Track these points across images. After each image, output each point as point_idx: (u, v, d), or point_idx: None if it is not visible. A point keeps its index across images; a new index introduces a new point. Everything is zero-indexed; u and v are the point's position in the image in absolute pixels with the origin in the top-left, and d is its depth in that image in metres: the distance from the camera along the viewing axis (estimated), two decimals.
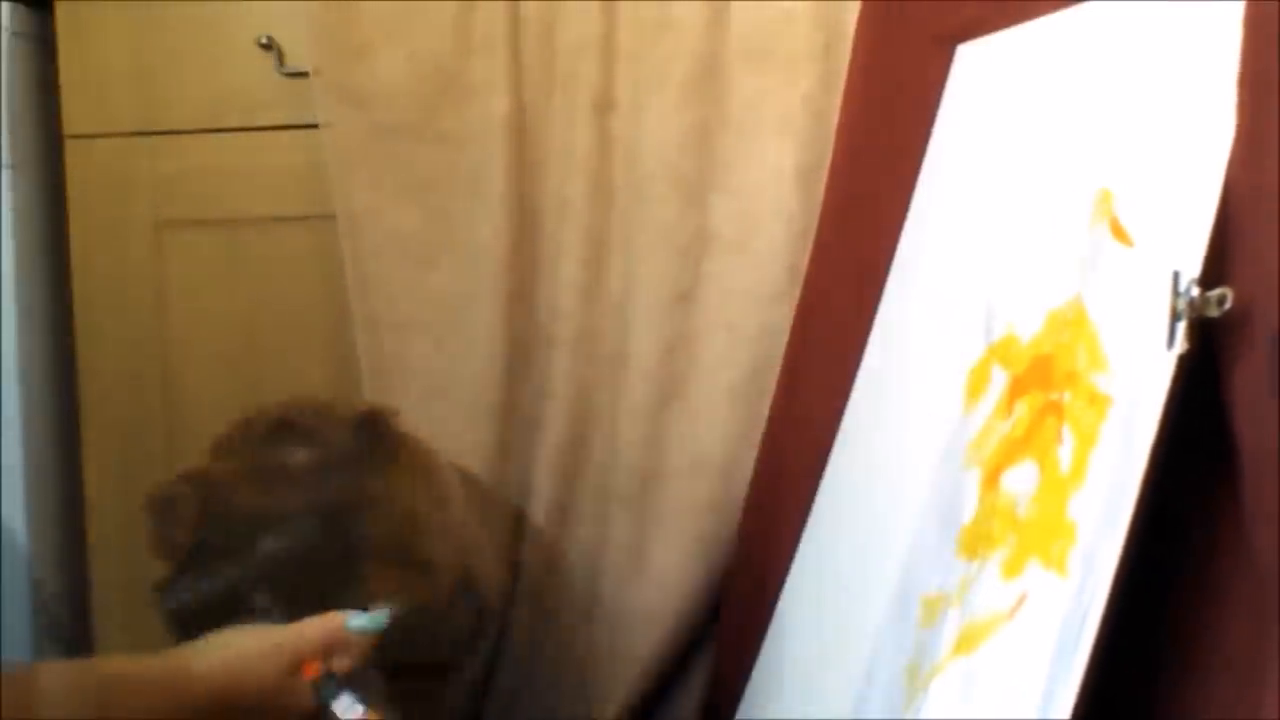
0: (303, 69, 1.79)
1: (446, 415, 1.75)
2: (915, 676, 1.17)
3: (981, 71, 1.48)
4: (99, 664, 1.01)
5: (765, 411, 1.69)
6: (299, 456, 1.09)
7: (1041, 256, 1.21)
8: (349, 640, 1.03)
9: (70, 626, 1.89)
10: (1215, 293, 0.95)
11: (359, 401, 1.14)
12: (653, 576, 1.72)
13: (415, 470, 1.13)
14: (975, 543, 1.15)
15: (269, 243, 1.85)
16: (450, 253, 1.75)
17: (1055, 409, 1.10)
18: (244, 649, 1.00)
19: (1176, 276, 0.97)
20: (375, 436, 1.12)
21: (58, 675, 0.95)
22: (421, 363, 1.76)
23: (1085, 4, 1.28)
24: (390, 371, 1.76)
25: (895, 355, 1.47)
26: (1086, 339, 1.08)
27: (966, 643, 1.10)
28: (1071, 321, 1.12)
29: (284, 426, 1.09)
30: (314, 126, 1.80)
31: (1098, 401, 1.04)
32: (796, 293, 1.69)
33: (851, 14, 1.66)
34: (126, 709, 0.94)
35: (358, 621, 1.03)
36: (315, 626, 1.03)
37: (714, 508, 1.72)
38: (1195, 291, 0.95)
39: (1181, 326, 0.96)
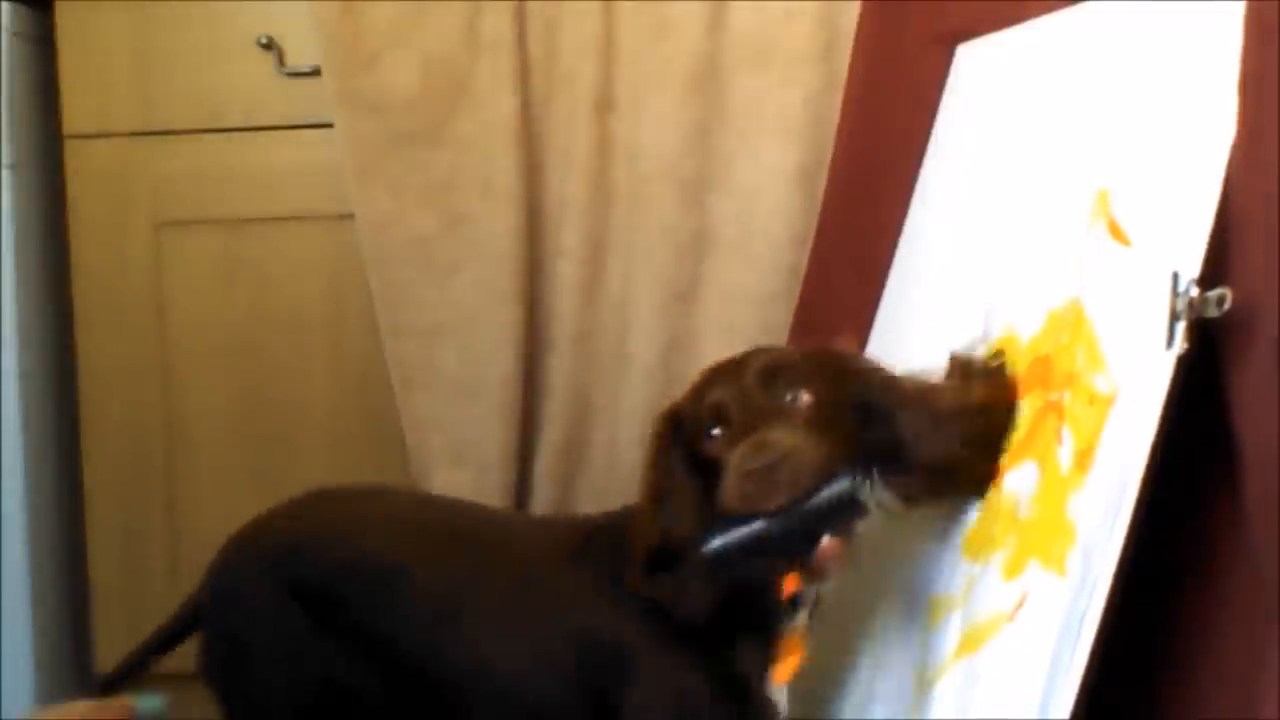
0: (303, 69, 1.79)
1: (475, 419, 1.75)
2: (922, 680, 1.17)
3: (981, 71, 1.48)
4: None
5: None
6: (802, 401, 1.10)
7: (1041, 257, 1.21)
8: None
9: (70, 626, 1.89)
10: (1214, 293, 0.95)
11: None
12: None
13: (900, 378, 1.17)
14: (978, 544, 1.15)
15: (268, 242, 1.85)
16: (470, 257, 1.75)
17: (1055, 409, 1.10)
18: None
19: (1176, 277, 0.97)
20: (846, 361, 1.16)
21: None
22: (448, 368, 1.76)
23: (1085, 4, 1.28)
24: (418, 379, 1.76)
25: (896, 355, 1.46)
26: (1085, 340, 1.08)
27: (969, 644, 1.10)
28: (1070, 322, 1.12)
29: (777, 372, 1.11)
30: (314, 126, 1.80)
31: (1097, 402, 1.04)
32: (796, 293, 1.69)
33: (851, 14, 1.66)
34: None
35: (140, 705, 1.06)
36: (100, 708, 1.04)
37: None
38: (1194, 291, 0.95)
39: (1181, 327, 0.96)
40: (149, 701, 1.05)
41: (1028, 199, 1.27)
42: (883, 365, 1.19)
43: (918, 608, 1.22)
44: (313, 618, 1.24)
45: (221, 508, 1.83)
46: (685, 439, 1.16)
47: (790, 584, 1.12)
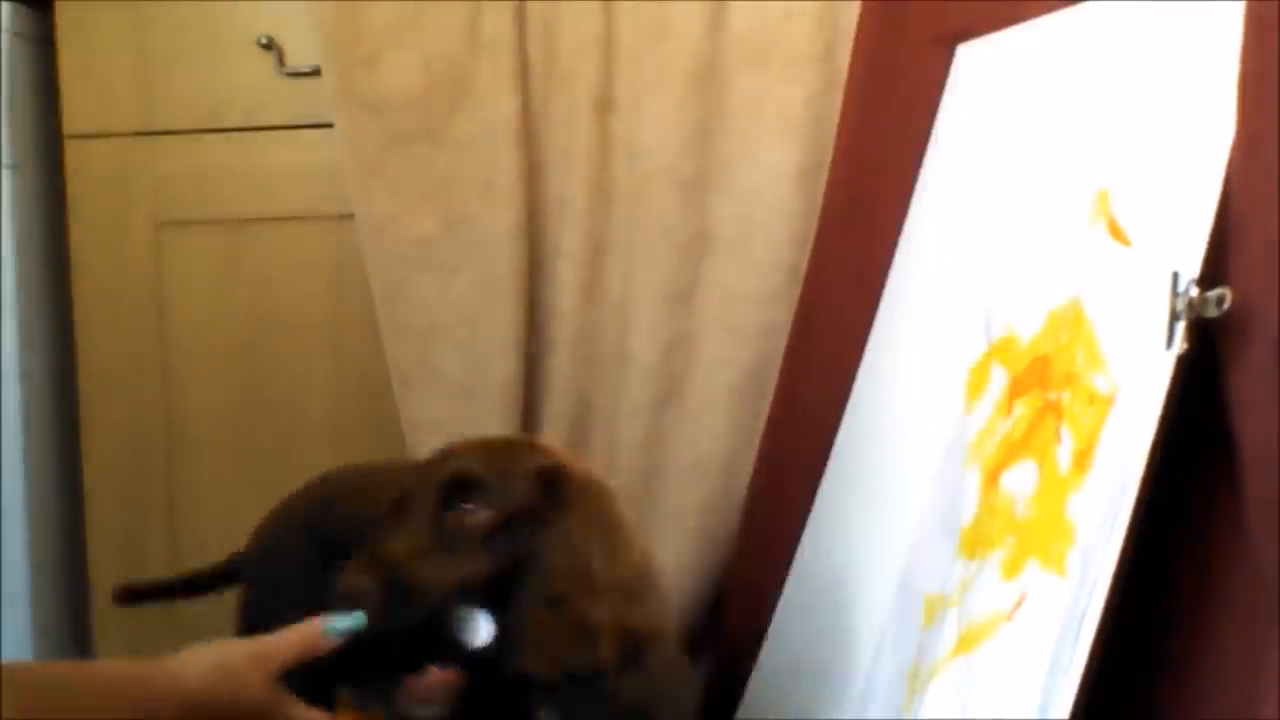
0: (303, 69, 1.79)
1: (475, 419, 1.75)
2: (915, 678, 1.17)
3: (981, 71, 1.48)
4: (84, 667, 1.00)
5: (765, 411, 1.69)
6: (479, 518, 1.08)
7: (1041, 257, 1.21)
8: (327, 642, 1.04)
9: (70, 626, 1.89)
10: (1214, 293, 0.95)
11: (537, 453, 1.12)
12: None
13: (592, 525, 1.11)
14: (975, 543, 1.15)
15: (268, 242, 1.85)
16: (470, 257, 1.75)
17: (1055, 409, 1.10)
18: (228, 657, 1.00)
19: (1176, 277, 0.96)
20: (554, 491, 1.10)
21: (39, 676, 0.94)
22: (448, 368, 1.76)
23: (1084, 4, 1.28)
24: (418, 379, 1.77)
25: (896, 355, 1.47)
26: (1085, 339, 1.08)
27: (966, 643, 1.10)
28: (1070, 321, 1.12)
29: (462, 484, 1.08)
30: (314, 127, 1.80)
31: (1097, 402, 1.04)
32: (796, 293, 1.69)
33: (851, 14, 1.65)
34: (112, 713, 0.94)
35: (336, 625, 1.05)
36: (296, 632, 1.04)
37: (714, 507, 1.72)
38: (1194, 292, 0.95)
39: (1180, 326, 0.96)
40: (347, 621, 1.04)
41: (1028, 199, 1.27)
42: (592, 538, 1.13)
43: (911, 605, 1.22)
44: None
45: (221, 508, 1.85)
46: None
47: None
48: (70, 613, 1.89)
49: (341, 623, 1.05)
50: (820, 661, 1.37)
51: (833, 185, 1.65)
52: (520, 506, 1.10)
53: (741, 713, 1.52)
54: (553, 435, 1.78)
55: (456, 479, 1.09)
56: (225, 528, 1.85)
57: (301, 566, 1.29)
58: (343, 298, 1.84)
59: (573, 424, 1.78)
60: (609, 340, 1.77)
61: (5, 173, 1.77)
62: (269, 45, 1.80)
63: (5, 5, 1.77)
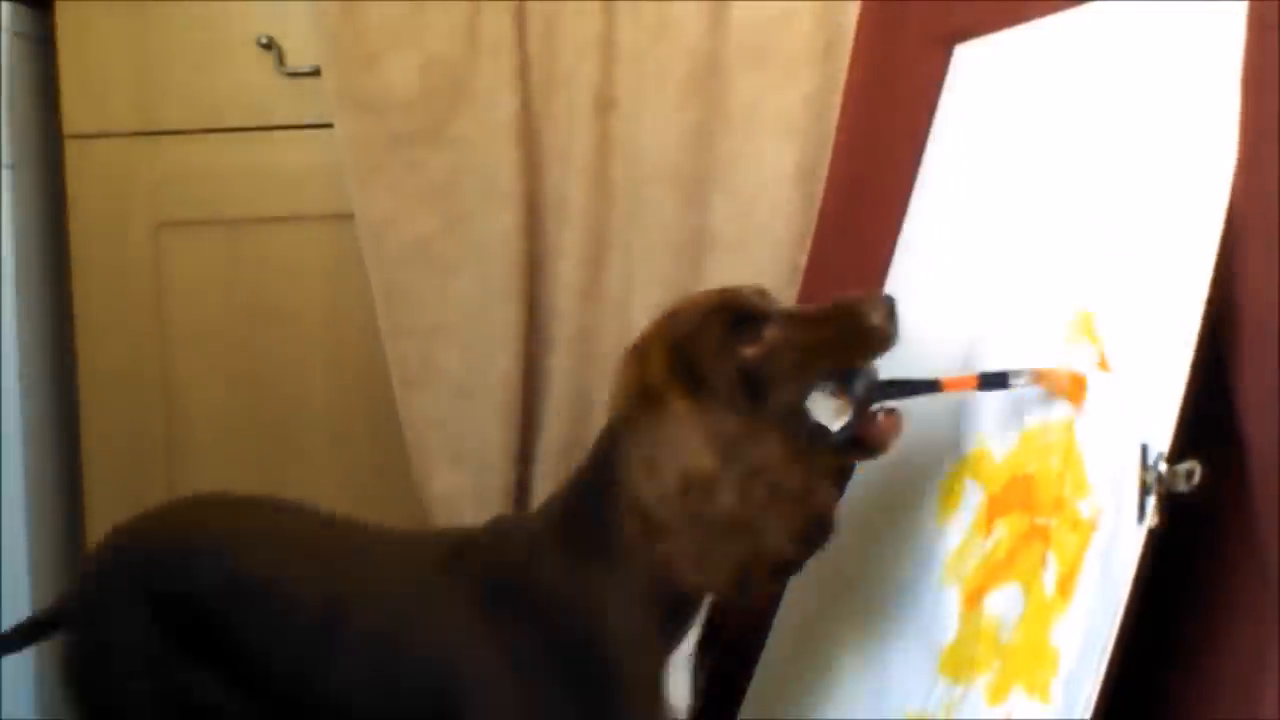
0: (303, 69, 1.79)
1: (475, 419, 1.75)
2: None
3: (979, 72, 1.48)
4: None
5: None
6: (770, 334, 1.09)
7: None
8: None
9: None
10: (1183, 466, 0.94)
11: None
12: None
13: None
14: (958, 665, 1.14)
15: (268, 242, 1.85)
16: (470, 257, 1.75)
17: (1041, 534, 1.09)
18: None
19: (1145, 450, 0.96)
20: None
21: None
22: (448, 368, 1.76)
23: (1084, 5, 1.28)
24: (418, 379, 1.76)
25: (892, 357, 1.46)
26: (1074, 466, 1.07)
27: None
28: (1057, 445, 1.10)
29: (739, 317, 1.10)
30: (314, 127, 1.80)
31: (1080, 527, 1.04)
32: (796, 293, 1.69)
33: (851, 14, 1.66)
34: None
35: None
36: None
37: None
38: (1163, 466, 0.94)
39: (1151, 501, 0.95)
40: None
41: (1002, 307, 1.25)
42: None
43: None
44: (174, 632, 1.20)
45: None
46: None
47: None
48: None
49: None
50: (824, 654, 1.36)
51: (832, 185, 1.66)
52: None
53: (744, 711, 1.51)
54: (552, 435, 1.78)
55: (732, 311, 1.10)
56: None
57: (129, 622, 1.20)
58: (343, 298, 1.83)
59: (573, 424, 1.78)
60: (609, 340, 1.77)
61: (5, 173, 1.77)
62: (269, 45, 1.79)
63: (5, 5, 1.77)
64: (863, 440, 1.10)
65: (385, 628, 1.16)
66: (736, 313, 1.10)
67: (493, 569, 1.15)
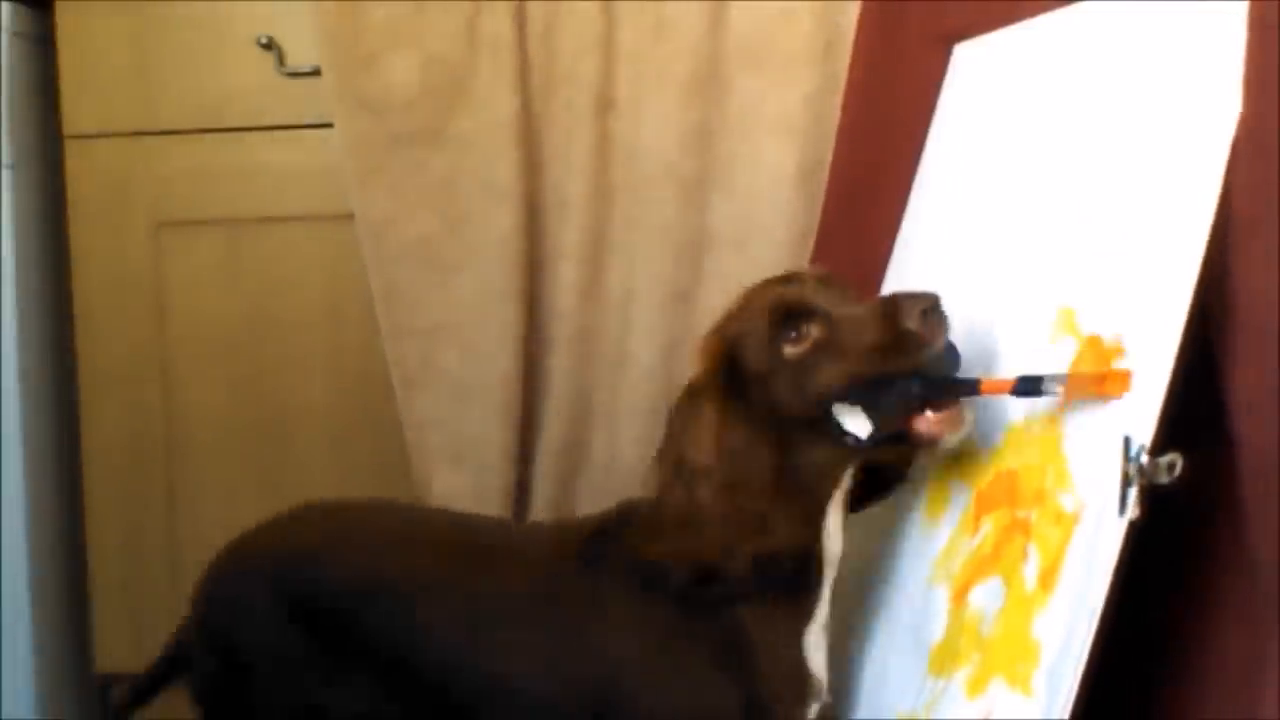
0: (303, 69, 1.79)
1: (475, 419, 1.75)
2: None
3: (979, 71, 1.48)
4: None
5: None
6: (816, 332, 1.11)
7: (1002, 370, 1.19)
8: None
9: (70, 626, 1.89)
10: (1165, 459, 0.94)
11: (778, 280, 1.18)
12: None
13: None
14: (943, 660, 1.14)
15: (268, 242, 1.85)
16: (470, 257, 1.75)
17: (1022, 527, 1.09)
18: None
19: (1127, 441, 0.96)
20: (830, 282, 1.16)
21: None
22: (448, 368, 1.76)
23: (1081, 4, 1.28)
24: (418, 379, 1.76)
25: None
26: (1055, 459, 1.07)
27: None
28: (1041, 439, 1.10)
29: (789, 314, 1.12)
30: (314, 127, 1.80)
31: (1063, 520, 1.03)
32: None
33: (851, 14, 1.65)
34: None
35: None
36: None
37: None
38: (1145, 458, 0.95)
39: (1133, 493, 0.95)
40: None
41: (992, 300, 1.25)
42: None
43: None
44: (315, 639, 1.20)
45: (221, 508, 1.84)
46: (738, 378, 1.14)
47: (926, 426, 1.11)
48: (70, 613, 1.89)
49: None
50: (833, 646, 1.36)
51: (833, 185, 1.65)
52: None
53: None
54: (552, 435, 1.78)
55: (818, 274, 1.14)
56: (225, 528, 1.85)
57: (268, 631, 1.21)
58: (343, 298, 1.83)
59: (573, 424, 1.78)
60: (609, 340, 1.77)
61: (5, 173, 1.77)
62: (269, 45, 1.79)
63: (5, 5, 1.77)
64: (912, 437, 1.11)
65: (534, 619, 1.18)
66: (789, 310, 1.12)
67: (629, 553, 1.17)
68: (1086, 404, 1.05)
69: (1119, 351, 1.04)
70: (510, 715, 1.19)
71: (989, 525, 1.14)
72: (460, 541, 1.27)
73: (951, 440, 1.11)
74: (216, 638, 1.25)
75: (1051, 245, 1.20)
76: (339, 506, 1.34)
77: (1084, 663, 0.94)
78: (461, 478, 1.77)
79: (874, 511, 1.27)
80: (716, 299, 1.73)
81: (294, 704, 1.22)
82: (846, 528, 1.18)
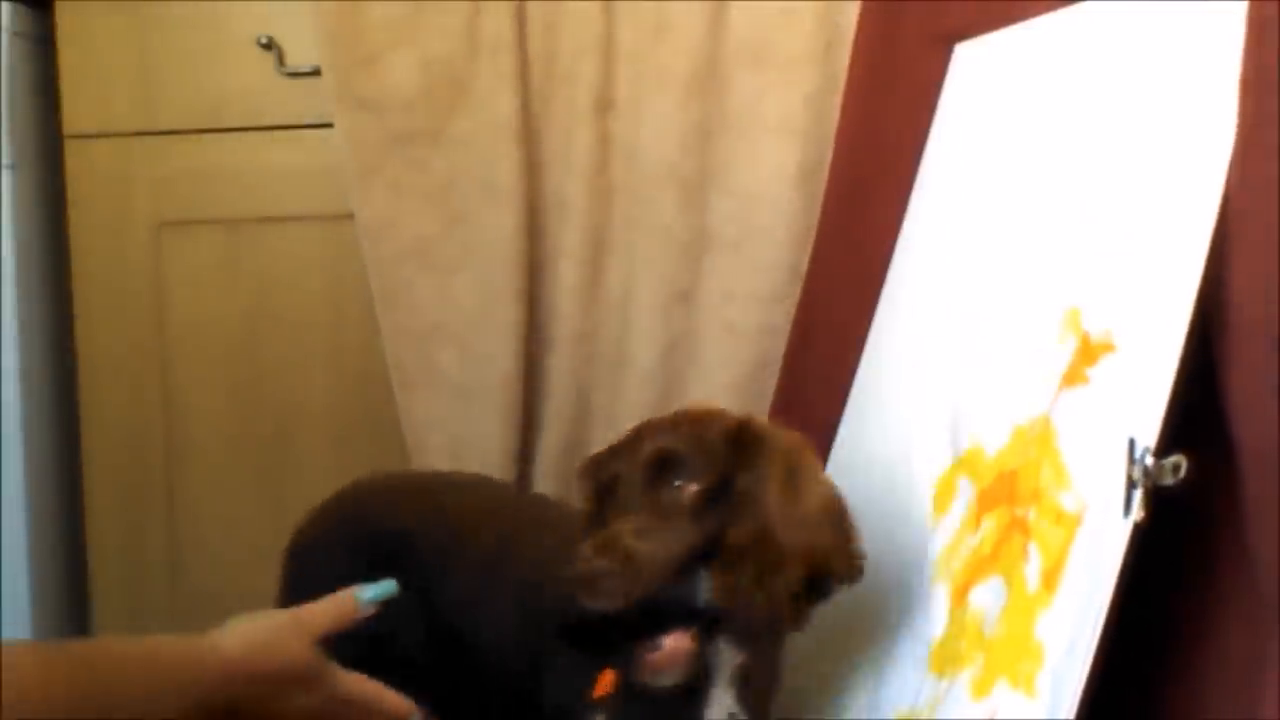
0: (303, 69, 1.79)
1: (475, 419, 1.75)
2: None
3: (979, 71, 1.48)
4: (125, 641, 1.01)
5: (765, 411, 1.69)
6: (688, 491, 1.10)
7: (1009, 370, 1.19)
8: (361, 611, 1.06)
9: (70, 626, 1.89)
10: (1170, 460, 0.94)
11: (722, 416, 1.16)
12: None
13: (779, 472, 1.13)
14: (944, 660, 1.14)
15: (268, 242, 1.85)
16: (470, 257, 1.75)
17: (1021, 526, 1.09)
18: (269, 626, 1.01)
19: (1132, 444, 0.96)
20: (744, 445, 1.13)
21: (80, 652, 0.94)
22: (448, 368, 1.76)
23: (1082, 4, 1.28)
24: (418, 379, 1.77)
25: (888, 357, 1.46)
26: (1051, 456, 1.07)
27: None
28: (1037, 438, 1.10)
29: (666, 461, 1.11)
30: (314, 127, 1.80)
31: (1065, 521, 1.03)
32: (796, 293, 1.69)
33: (851, 14, 1.66)
34: (154, 684, 0.94)
35: (368, 593, 1.07)
36: (331, 602, 1.06)
37: None
38: (1150, 460, 0.94)
39: (1138, 495, 0.95)
40: (378, 589, 1.06)
41: (998, 305, 1.25)
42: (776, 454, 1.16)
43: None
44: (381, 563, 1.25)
45: (221, 508, 1.85)
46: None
47: (603, 685, 1.12)
48: (70, 612, 1.89)
49: (372, 592, 1.07)
50: (821, 655, 1.36)
51: (833, 185, 1.66)
52: (719, 472, 1.12)
53: None
54: (552, 435, 1.78)
55: (660, 458, 1.11)
56: (225, 528, 1.87)
57: (343, 566, 1.26)
58: (342, 298, 1.83)
59: (573, 424, 1.78)
60: (609, 340, 1.77)
61: (5, 173, 1.77)
62: (269, 45, 1.79)
63: (5, 5, 1.77)
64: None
65: (529, 577, 1.25)
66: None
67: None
68: (1081, 399, 1.05)
69: (1108, 348, 1.05)
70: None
71: (989, 524, 1.14)
72: (502, 500, 1.41)
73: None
74: (297, 575, 1.36)
75: (1054, 246, 1.20)
76: (401, 473, 1.53)
77: (1089, 664, 0.94)
78: None
79: (874, 511, 1.27)
80: (716, 299, 1.75)
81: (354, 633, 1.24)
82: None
